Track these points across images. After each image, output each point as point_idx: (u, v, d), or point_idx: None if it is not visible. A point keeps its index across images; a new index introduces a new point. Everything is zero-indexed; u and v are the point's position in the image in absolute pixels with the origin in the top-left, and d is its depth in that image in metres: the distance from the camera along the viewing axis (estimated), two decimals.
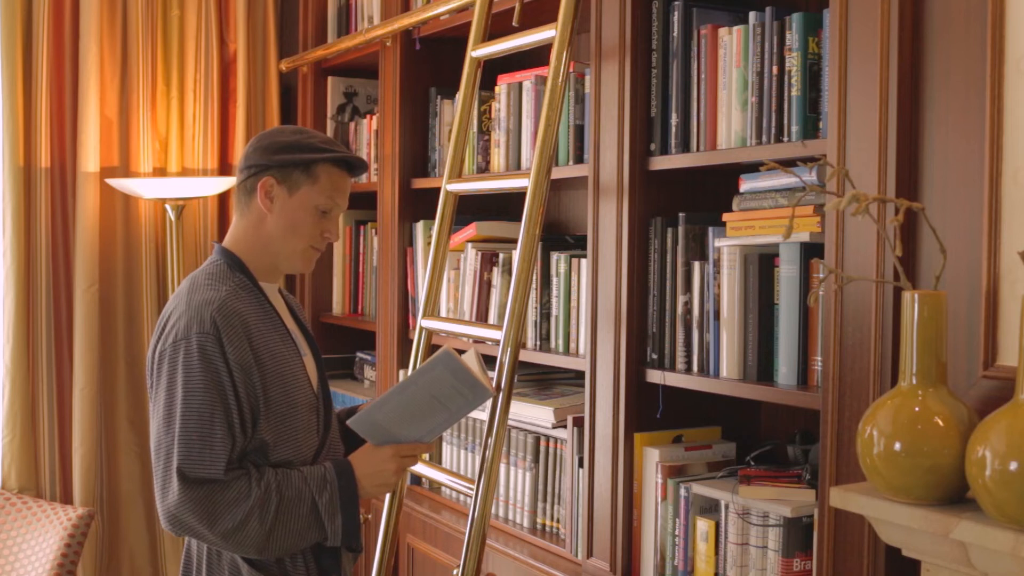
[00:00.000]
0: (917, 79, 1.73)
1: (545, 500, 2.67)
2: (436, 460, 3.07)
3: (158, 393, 1.92)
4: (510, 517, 2.77)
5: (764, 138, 2.08)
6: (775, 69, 2.05)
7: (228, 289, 1.95)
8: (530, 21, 2.56)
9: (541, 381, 2.86)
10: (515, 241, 2.43)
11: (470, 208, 2.97)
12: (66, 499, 3.64)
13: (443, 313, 3.03)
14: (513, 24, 2.54)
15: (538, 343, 2.69)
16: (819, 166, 1.85)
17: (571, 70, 2.54)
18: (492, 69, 2.80)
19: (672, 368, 2.28)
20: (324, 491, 1.92)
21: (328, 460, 2.01)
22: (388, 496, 2.39)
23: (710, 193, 2.33)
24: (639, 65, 2.31)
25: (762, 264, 2.08)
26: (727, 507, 2.13)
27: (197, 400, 1.86)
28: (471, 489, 2.20)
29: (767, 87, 2.07)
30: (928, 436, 1.48)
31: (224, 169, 3.90)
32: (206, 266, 2.04)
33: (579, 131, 2.57)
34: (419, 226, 3.17)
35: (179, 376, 1.87)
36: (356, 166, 2.07)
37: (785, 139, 2.03)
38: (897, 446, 1.49)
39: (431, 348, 2.55)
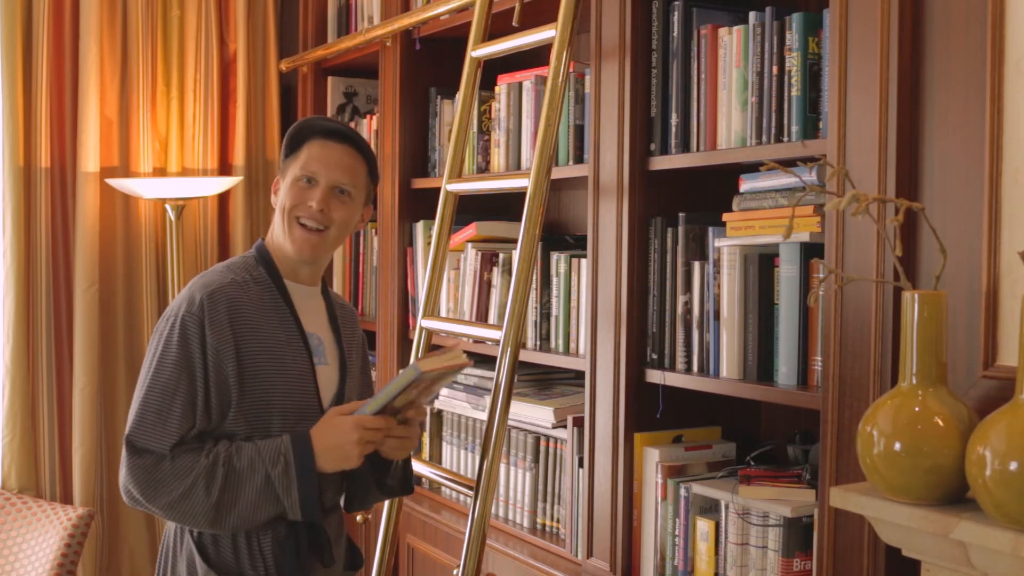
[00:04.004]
0: (917, 79, 1.73)
1: (545, 500, 2.67)
2: (436, 460, 3.08)
3: (142, 368, 1.95)
4: (510, 517, 2.77)
5: (764, 138, 2.08)
6: (775, 69, 2.05)
7: (236, 279, 1.95)
8: (530, 21, 2.56)
9: (541, 381, 2.86)
10: (515, 241, 2.43)
11: (470, 208, 2.97)
12: (66, 499, 3.64)
13: (443, 313, 3.03)
14: (513, 24, 2.54)
15: (538, 343, 2.69)
16: (819, 166, 1.85)
17: (571, 70, 2.54)
18: (492, 69, 2.79)
19: (672, 368, 2.28)
20: (278, 463, 1.86)
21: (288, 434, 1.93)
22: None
23: (710, 193, 2.33)
24: (639, 65, 2.31)
25: (762, 264, 2.08)
26: (727, 507, 2.13)
27: (164, 375, 1.87)
28: (471, 489, 2.20)
29: (767, 87, 2.07)
30: (928, 436, 1.48)
31: (224, 169, 3.90)
32: (239, 256, 2.06)
33: (579, 131, 2.57)
34: (419, 226, 3.17)
35: (158, 351, 1.90)
36: (337, 132, 2.00)
37: (785, 139, 2.03)
38: (897, 446, 1.49)
39: (431, 348, 2.55)
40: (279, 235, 1.99)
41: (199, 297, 1.90)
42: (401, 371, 1.90)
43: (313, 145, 1.98)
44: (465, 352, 1.98)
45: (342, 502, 2.13)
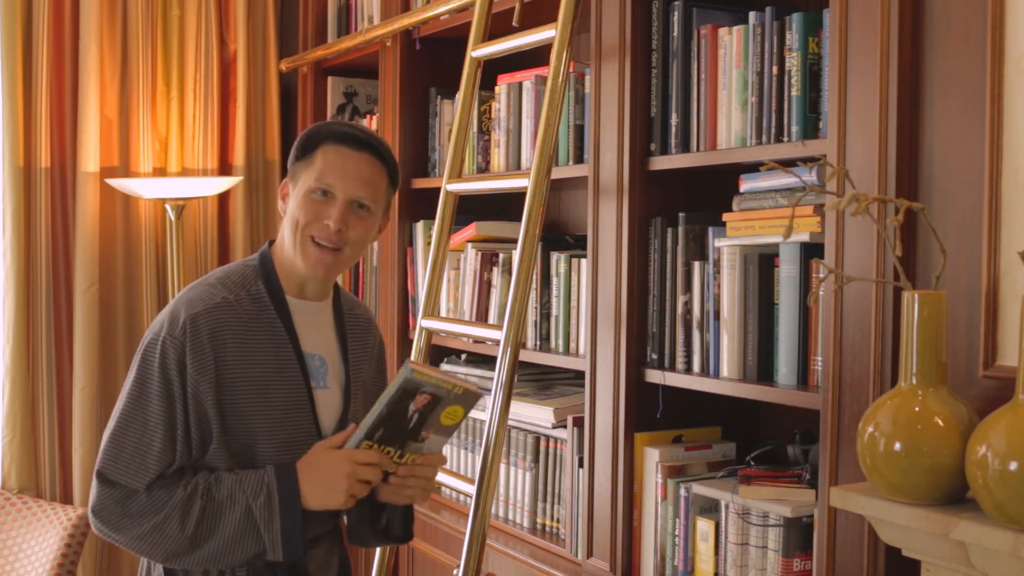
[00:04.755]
0: (917, 79, 1.73)
1: (545, 500, 2.67)
2: None
3: (124, 386, 1.82)
4: (510, 517, 2.77)
5: (764, 138, 2.08)
6: (775, 69, 2.05)
7: (228, 296, 1.81)
8: (530, 21, 2.56)
9: (541, 381, 2.87)
10: (515, 241, 2.43)
11: (470, 208, 2.97)
12: (66, 499, 3.64)
13: (443, 313, 3.02)
14: (513, 24, 2.54)
15: (538, 343, 2.69)
16: (819, 166, 1.85)
17: (571, 70, 2.54)
18: (492, 69, 2.79)
19: (672, 368, 2.28)
20: (260, 494, 1.73)
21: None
22: None
23: (710, 193, 2.33)
24: (639, 65, 2.31)
25: (762, 264, 2.08)
26: (727, 507, 2.13)
27: (144, 408, 1.75)
28: (471, 489, 2.20)
29: (767, 87, 2.07)
30: (928, 436, 1.48)
31: (224, 169, 3.90)
32: (239, 262, 1.91)
33: (579, 131, 2.57)
34: (419, 226, 3.17)
35: (139, 377, 1.78)
36: (355, 138, 1.83)
37: (785, 139, 2.03)
38: (897, 446, 1.49)
39: (431, 348, 2.55)
40: (288, 249, 1.83)
41: (182, 319, 1.76)
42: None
43: (328, 151, 1.81)
44: (470, 385, 1.83)
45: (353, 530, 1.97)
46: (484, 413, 2.76)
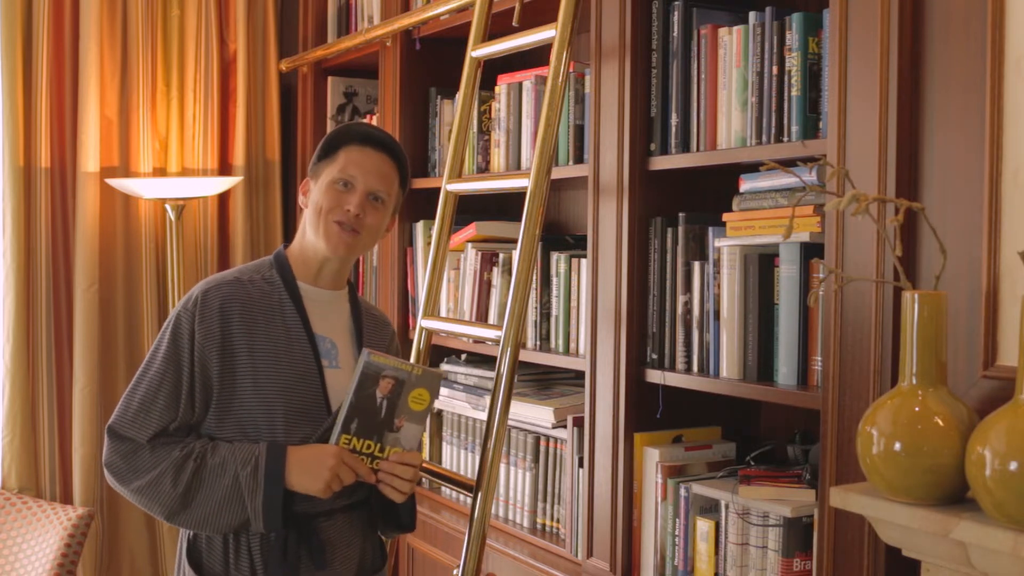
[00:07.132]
0: (917, 79, 1.73)
1: (545, 500, 2.67)
2: (436, 460, 3.07)
3: None
4: (510, 517, 2.77)
5: (764, 138, 2.08)
6: (775, 69, 2.05)
7: (241, 278, 1.99)
8: (530, 21, 2.56)
9: (541, 381, 2.87)
10: (515, 241, 2.43)
11: (470, 208, 2.97)
12: (66, 499, 3.64)
13: (443, 313, 3.03)
14: (513, 24, 2.54)
15: (538, 343, 2.69)
16: (819, 166, 1.85)
17: (571, 70, 2.54)
18: (492, 69, 2.79)
19: (672, 368, 2.28)
20: (248, 464, 1.88)
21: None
22: None
23: (710, 193, 2.33)
24: (639, 65, 2.31)
25: (762, 264, 2.08)
26: (727, 507, 2.13)
27: (152, 370, 1.94)
28: (471, 489, 2.20)
29: (767, 87, 2.07)
30: (928, 436, 1.48)
31: (224, 169, 3.90)
32: (257, 260, 2.11)
33: (579, 131, 2.57)
34: (419, 226, 3.17)
35: (153, 347, 1.98)
36: (375, 139, 2.02)
37: (785, 139, 2.03)
38: (897, 446, 1.49)
39: (431, 348, 2.55)
40: (311, 234, 2.00)
41: (196, 294, 1.96)
42: None
43: (352, 150, 2.00)
44: (436, 367, 1.97)
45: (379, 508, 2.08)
46: (484, 413, 2.76)
